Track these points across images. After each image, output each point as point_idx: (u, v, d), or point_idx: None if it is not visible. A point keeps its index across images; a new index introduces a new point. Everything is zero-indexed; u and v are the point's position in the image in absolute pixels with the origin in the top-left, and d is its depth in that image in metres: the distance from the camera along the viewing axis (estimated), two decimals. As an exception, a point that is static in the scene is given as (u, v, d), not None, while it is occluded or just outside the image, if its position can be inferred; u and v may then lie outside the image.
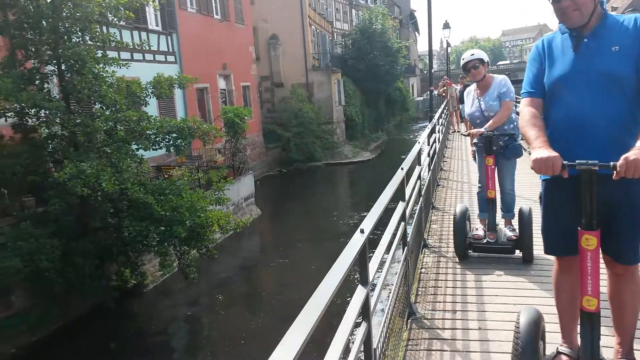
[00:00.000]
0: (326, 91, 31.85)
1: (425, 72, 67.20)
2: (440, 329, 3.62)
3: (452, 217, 5.40)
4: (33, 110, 10.14)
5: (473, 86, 5.28)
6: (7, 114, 9.99)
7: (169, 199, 10.34)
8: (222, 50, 23.12)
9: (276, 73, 31.21)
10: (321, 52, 35.01)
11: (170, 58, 19.25)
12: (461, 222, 4.96)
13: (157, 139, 11.40)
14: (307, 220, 19.30)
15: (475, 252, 5.06)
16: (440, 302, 4.09)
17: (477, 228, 5.19)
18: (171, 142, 11.55)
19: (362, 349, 2.30)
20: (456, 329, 3.60)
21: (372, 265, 2.52)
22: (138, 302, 12.63)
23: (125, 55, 15.02)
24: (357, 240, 2.30)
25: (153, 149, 11.53)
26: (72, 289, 10.36)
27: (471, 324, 3.66)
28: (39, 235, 9.39)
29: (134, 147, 11.16)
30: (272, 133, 28.57)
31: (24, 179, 10.49)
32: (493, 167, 4.91)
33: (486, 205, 5.02)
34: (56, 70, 10.58)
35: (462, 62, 5.12)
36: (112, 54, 12.01)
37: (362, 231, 2.38)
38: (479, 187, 5.27)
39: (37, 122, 10.59)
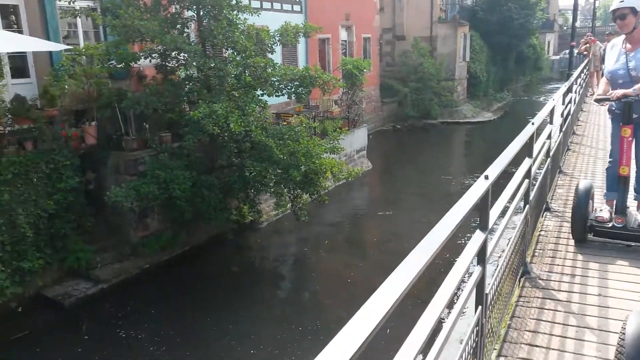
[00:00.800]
0: (450, 45, 30.36)
1: (565, 28, 60.77)
2: (555, 290, 3.51)
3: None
4: (174, 53, 11.07)
5: (620, 39, 4.48)
6: (152, 55, 11.03)
7: (287, 143, 10.83)
8: (347, 1, 22.94)
9: (399, 25, 30.33)
10: (449, 3, 33.14)
11: (296, 8, 19.59)
12: (583, 201, 4.32)
13: (281, 86, 11.86)
14: (417, 177, 19.08)
15: (596, 237, 4.44)
16: (558, 265, 3.93)
17: (602, 209, 4.50)
18: (293, 89, 11.95)
19: (474, 291, 2.35)
20: (573, 292, 3.46)
21: (493, 212, 2.50)
22: (253, 236, 13.66)
23: (255, 4, 15.62)
24: (480, 186, 2.30)
25: (276, 96, 12.04)
26: (199, 218, 11.50)
27: (589, 299, 3.44)
28: (174, 167, 10.46)
29: (259, 92, 11.75)
30: (389, 87, 28.17)
31: (163, 116, 11.65)
32: (630, 139, 4.20)
33: (617, 183, 4.35)
34: (195, 15, 11.35)
35: (610, 9, 4.35)
36: (244, 1, 12.55)
37: (486, 177, 2.37)
38: (609, 161, 4.54)
39: (176, 64, 11.57)
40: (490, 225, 2.39)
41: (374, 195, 18.78)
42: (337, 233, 14.27)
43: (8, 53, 10.24)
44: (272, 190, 11.39)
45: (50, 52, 11.10)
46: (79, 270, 10.59)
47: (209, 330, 9.10)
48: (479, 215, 2.40)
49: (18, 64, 11.02)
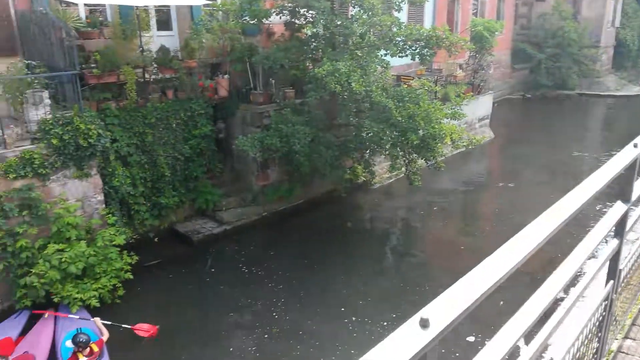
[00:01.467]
0: (598, 8, 27.11)
1: None
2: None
3: None
4: (303, 10, 11.31)
5: None
6: (283, 12, 11.38)
7: (407, 106, 10.67)
8: (483, -44, 21.41)
9: (540, -16, 27.68)
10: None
11: (428, -36, 18.71)
12: None
13: (405, 47, 11.61)
14: (545, 151, 17.71)
15: None
16: None
17: None
18: (417, 50, 11.63)
19: (606, 265, 2.23)
20: None
21: (638, 184, 2.32)
22: (364, 197, 13.88)
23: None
24: (627, 154, 2.14)
25: (399, 56, 11.82)
26: (314, 173, 11.93)
27: None
28: (295, 122, 10.89)
29: (382, 52, 11.62)
30: (521, 52, 26.12)
31: (288, 72, 12.08)
32: None
33: None
34: (325, -28, 11.41)
35: None
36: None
37: (635, 145, 2.19)
38: None
39: (304, 22, 11.82)
40: (633, 198, 2.22)
41: (493, 166, 17.90)
42: (451, 201, 13.94)
43: (155, 6, 11.23)
44: (387, 152, 11.39)
45: (191, 7, 11.94)
46: (206, 210, 11.67)
47: (321, 277, 9.65)
48: (619, 186, 2.24)
49: (163, 17, 12.03)
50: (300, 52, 11.56)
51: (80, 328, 7.10)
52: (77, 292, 7.80)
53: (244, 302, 8.90)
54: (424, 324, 0.97)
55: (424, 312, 1.00)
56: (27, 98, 8.40)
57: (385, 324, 8.08)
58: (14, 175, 7.94)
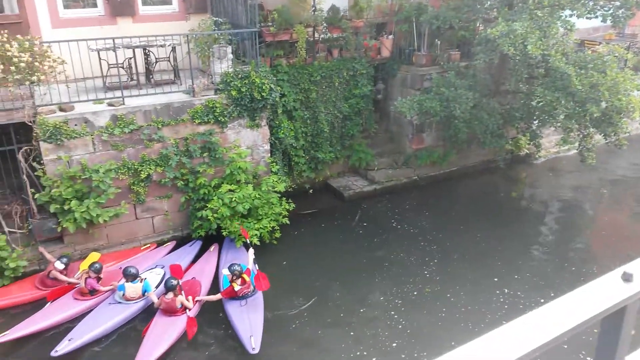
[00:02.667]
0: None
1: None
2: None
3: None
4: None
5: None
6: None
7: (590, 74, 9.51)
8: None
9: None
10: None
11: None
12: None
13: (595, 6, 10.24)
14: None
15: None
16: None
17: None
18: (611, 11, 10.18)
19: None
20: None
21: None
22: (525, 170, 12.95)
23: None
24: None
25: (587, 18, 10.48)
26: (472, 141, 11.44)
27: None
28: (458, 86, 10.46)
29: (567, 13, 10.42)
30: None
31: (456, 33, 11.54)
32: None
33: None
34: None
35: None
36: None
37: None
38: None
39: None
40: None
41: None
42: (628, 186, 12.30)
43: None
44: (559, 124, 10.37)
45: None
46: (358, 169, 12.02)
47: (474, 245, 9.47)
48: None
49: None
50: (473, 11, 10.92)
51: (240, 264, 7.88)
52: (242, 229, 8.75)
53: (395, 257, 9.12)
54: (627, 278, 0.92)
55: (628, 267, 0.95)
56: (213, 52, 9.36)
57: (542, 300, 7.62)
58: (199, 121, 9.02)
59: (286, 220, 9.36)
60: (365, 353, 6.85)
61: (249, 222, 8.87)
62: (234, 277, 7.42)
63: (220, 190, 8.86)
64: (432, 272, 8.67)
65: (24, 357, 6.76)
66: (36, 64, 7.61)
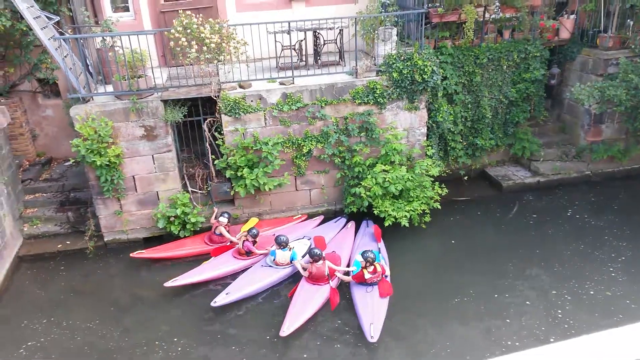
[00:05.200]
0: None
1: None
2: None
3: None
4: None
5: None
6: None
7: None
8: None
9: None
10: None
11: None
12: None
13: None
14: None
15: None
16: None
17: None
18: None
19: None
20: None
21: None
22: None
23: None
24: None
25: None
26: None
27: None
28: (652, 72, 9.11)
29: None
30: None
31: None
32: None
33: None
34: None
35: None
36: None
37: None
38: None
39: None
40: None
41: None
42: None
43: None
44: None
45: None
46: (521, 158, 11.25)
47: None
48: None
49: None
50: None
51: (373, 251, 7.87)
52: (392, 210, 8.86)
53: (558, 254, 8.49)
54: None
55: None
56: (378, 34, 9.50)
57: None
58: (359, 101, 9.29)
59: (437, 205, 9.24)
60: None
61: (400, 203, 8.96)
62: (367, 264, 7.55)
63: (374, 170, 9.08)
64: (610, 273, 7.86)
65: (187, 302, 7.80)
66: (223, 44, 8.55)
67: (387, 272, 7.83)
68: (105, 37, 8.77)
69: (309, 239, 8.82)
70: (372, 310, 7.11)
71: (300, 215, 9.75)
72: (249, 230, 8.53)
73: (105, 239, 9.24)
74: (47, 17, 8.63)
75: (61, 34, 8.73)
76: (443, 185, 9.48)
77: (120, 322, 7.47)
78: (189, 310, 7.66)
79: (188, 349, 6.89)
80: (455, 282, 7.91)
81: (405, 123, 9.67)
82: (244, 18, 9.99)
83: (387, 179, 8.85)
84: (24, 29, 9.41)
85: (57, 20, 8.96)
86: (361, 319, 7.04)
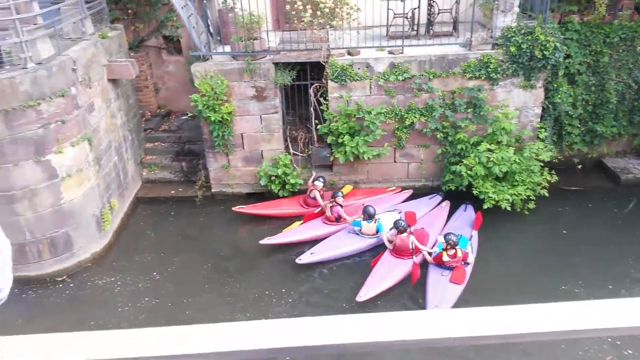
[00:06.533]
0: None
1: None
2: None
3: None
4: None
5: None
6: None
7: None
8: None
9: None
10: None
11: None
12: None
13: None
14: None
15: None
16: None
17: None
18: None
19: None
20: None
21: None
22: None
23: None
24: None
25: None
26: None
27: None
28: None
29: None
30: None
31: None
32: None
33: None
34: None
35: None
36: None
37: None
38: None
39: None
40: None
41: None
42: None
43: None
44: None
45: None
46: (645, 151, 10.23)
47: None
48: None
49: None
50: None
51: (460, 235, 7.72)
52: (493, 192, 8.53)
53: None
54: None
55: None
56: (497, 4, 8.97)
57: None
58: (470, 76, 8.93)
59: (545, 192, 8.74)
60: None
61: (503, 186, 8.61)
62: (448, 247, 7.40)
63: (478, 148, 8.76)
64: None
65: (276, 259, 8.29)
66: (337, 10, 8.59)
67: (470, 260, 7.62)
68: (226, -1, 9.19)
69: (399, 212, 8.82)
70: (441, 293, 7.04)
71: (394, 188, 9.74)
72: (334, 194, 8.69)
73: (213, 190, 9.93)
74: (176, -23, 9.19)
75: (187, -7, 9.28)
76: (553, 172, 8.93)
77: (224, 268, 8.12)
78: (277, 264, 8.15)
79: (274, 299, 7.40)
80: (556, 275, 7.52)
81: (517, 102, 9.16)
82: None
83: (491, 159, 8.50)
84: (155, -13, 10.13)
85: (184, -20, 9.52)
86: (428, 300, 7.03)
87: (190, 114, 10.39)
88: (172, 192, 10.08)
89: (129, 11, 10.99)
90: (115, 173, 9.24)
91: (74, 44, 8.42)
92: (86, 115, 8.15)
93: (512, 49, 8.68)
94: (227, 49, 9.26)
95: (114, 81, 9.34)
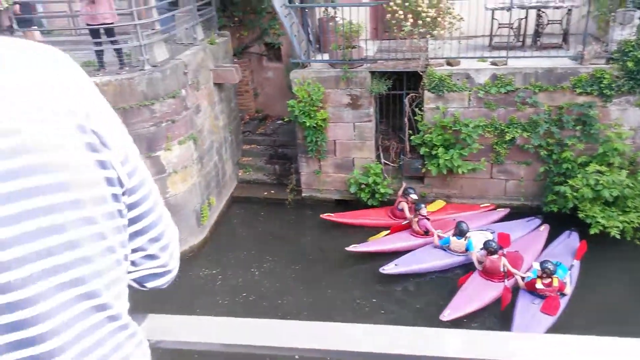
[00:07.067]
0: None
1: None
2: None
3: None
4: None
5: None
6: None
7: None
8: None
9: None
10: None
11: None
12: None
13: None
14: None
15: None
16: None
17: None
18: None
19: None
20: None
21: None
22: None
23: None
24: None
25: None
26: None
27: None
28: None
29: None
30: None
31: None
32: None
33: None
34: None
35: None
36: None
37: None
38: None
39: None
40: None
41: None
42: None
43: None
44: None
45: None
46: None
47: None
48: None
49: None
50: None
51: (558, 263, 7.17)
52: (602, 217, 7.86)
53: None
54: None
55: None
56: (615, 16, 8.33)
57: None
58: (580, 91, 8.34)
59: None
60: None
61: (612, 211, 7.92)
62: (543, 275, 6.87)
63: (586, 169, 8.14)
64: None
65: (361, 267, 8.29)
66: (439, 19, 8.44)
67: (567, 292, 7.04)
68: (328, 8, 9.38)
69: (492, 232, 8.40)
70: (529, 322, 6.59)
71: (488, 204, 9.32)
72: (417, 206, 8.46)
73: (303, 194, 10.13)
74: (282, -14, 9.54)
75: (290, 2, 9.59)
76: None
77: (313, 271, 8.31)
78: (361, 272, 8.15)
79: (356, 304, 7.47)
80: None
81: (633, 121, 8.41)
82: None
83: (600, 182, 7.86)
84: (260, -4, 10.60)
85: (288, -11, 9.85)
86: (514, 327, 6.58)
87: (286, 119, 10.71)
88: (265, 193, 10.42)
89: (236, 19, 11.58)
90: (215, 172, 9.75)
91: (186, 49, 9.01)
92: (193, 116, 8.68)
93: (630, 64, 8.00)
94: (326, 57, 9.43)
95: (218, 85, 9.87)
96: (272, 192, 10.44)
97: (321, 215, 9.23)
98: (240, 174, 10.92)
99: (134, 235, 0.87)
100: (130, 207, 0.84)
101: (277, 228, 9.49)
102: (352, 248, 8.27)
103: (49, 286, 0.70)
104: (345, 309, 7.36)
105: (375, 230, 8.90)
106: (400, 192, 9.12)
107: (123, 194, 0.82)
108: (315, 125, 9.15)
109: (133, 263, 0.90)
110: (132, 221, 0.85)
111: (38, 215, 0.68)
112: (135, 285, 0.95)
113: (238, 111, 11.36)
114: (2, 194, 0.65)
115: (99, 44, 7.85)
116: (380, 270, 7.69)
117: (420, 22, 8.43)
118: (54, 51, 0.78)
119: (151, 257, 0.93)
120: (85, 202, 0.73)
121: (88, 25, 7.73)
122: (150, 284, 0.97)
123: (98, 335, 0.78)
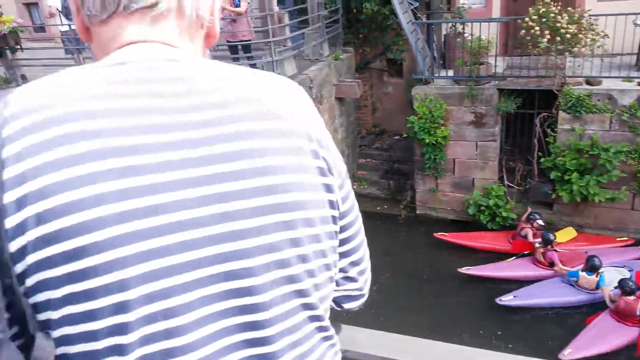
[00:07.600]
0: None
1: None
2: None
3: None
4: None
5: None
6: None
7: None
8: None
9: None
10: None
11: None
12: None
13: None
14: None
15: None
16: None
17: None
18: None
19: None
20: None
21: None
22: None
23: None
24: None
25: None
26: None
27: None
28: None
29: None
30: None
31: None
32: None
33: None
34: None
35: None
36: None
37: None
38: None
39: None
40: None
41: None
42: None
43: None
44: None
45: None
46: None
47: None
48: None
49: None
50: None
51: None
52: None
53: None
54: None
55: None
56: None
57: None
58: None
59: None
60: None
61: None
62: (623, 293, 6.39)
63: None
64: None
65: (474, 291, 7.84)
66: (580, 36, 7.83)
67: None
68: (455, 23, 9.17)
69: (629, 270, 7.51)
70: None
71: (626, 238, 8.38)
72: (544, 237, 7.81)
73: (417, 212, 9.94)
74: (409, 2, 9.54)
75: (417, 18, 9.54)
76: None
77: (426, 290, 8.12)
78: (475, 297, 7.74)
79: (470, 332, 7.12)
80: None
81: None
82: (604, 8, 8.86)
83: None
84: (387, 13, 10.65)
85: (416, 5, 9.81)
86: None
87: (403, 135, 10.62)
88: (378, 208, 10.39)
89: (360, 35, 11.77)
90: (331, 184, 9.95)
91: (312, 64, 9.36)
92: (315, 129, 8.96)
93: None
94: (450, 73, 9.21)
95: (340, 99, 10.09)
96: (385, 207, 10.38)
97: (435, 234, 8.96)
98: (354, 186, 10.99)
99: (340, 256, 0.91)
100: (341, 229, 0.88)
101: (390, 244, 9.37)
102: (466, 270, 7.91)
103: (281, 294, 0.76)
104: (456, 331, 7.05)
105: (492, 254, 8.42)
106: (524, 218, 8.53)
107: (338, 217, 0.86)
108: (434, 142, 8.95)
109: (336, 283, 0.94)
110: (340, 243, 0.89)
111: (280, 230, 0.74)
112: (332, 304, 0.99)
113: (356, 125, 11.51)
114: (255, 208, 0.72)
115: (237, 59, 8.44)
116: (497, 300, 7.26)
117: (558, 38, 7.90)
118: (290, 80, 0.85)
119: (350, 279, 0.98)
120: (315, 221, 0.79)
121: (228, 42, 8.36)
122: (346, 305, 1.02)
123: (309, 345, 0.83)
